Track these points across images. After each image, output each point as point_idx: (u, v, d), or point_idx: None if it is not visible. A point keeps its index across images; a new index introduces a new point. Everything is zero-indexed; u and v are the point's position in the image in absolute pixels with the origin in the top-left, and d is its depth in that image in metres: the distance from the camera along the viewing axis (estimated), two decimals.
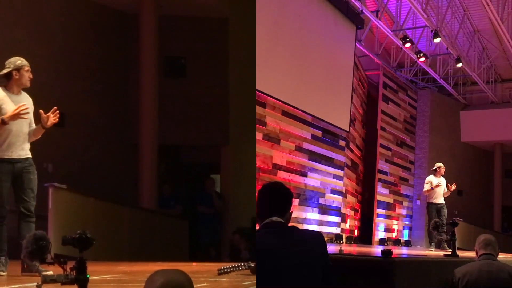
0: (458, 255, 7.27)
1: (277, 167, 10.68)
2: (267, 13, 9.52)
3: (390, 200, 16.14)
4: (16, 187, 5.56)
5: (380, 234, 15.47)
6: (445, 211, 11.09)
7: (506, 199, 19.32)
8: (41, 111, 5.43)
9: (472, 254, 9.35)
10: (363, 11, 12.00)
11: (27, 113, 5.45)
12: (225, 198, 11.67)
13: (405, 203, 16.93)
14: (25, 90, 5.75)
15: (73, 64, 11.27)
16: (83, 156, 11.12)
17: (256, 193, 3.57)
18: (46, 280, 3.16)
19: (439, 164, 11.37)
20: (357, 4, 11.90)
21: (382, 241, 15.13)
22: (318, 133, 12.11)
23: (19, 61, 5.51)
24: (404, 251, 11.32)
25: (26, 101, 5.53)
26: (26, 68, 5.53)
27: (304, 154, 11.61)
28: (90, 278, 3.08)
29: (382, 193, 15.70)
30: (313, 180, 11.91)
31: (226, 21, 11.98)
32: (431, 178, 11.23)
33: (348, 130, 12.92)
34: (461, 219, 14.19)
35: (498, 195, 19.14)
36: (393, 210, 16.29)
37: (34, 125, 5.65)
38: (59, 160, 10.71)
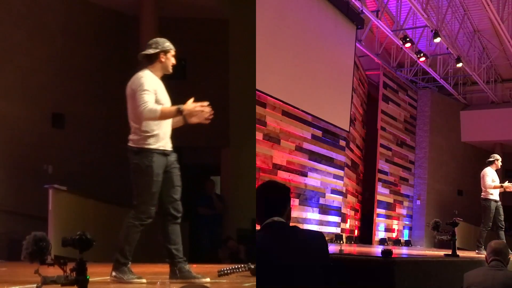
0: (458, 255, 7.27)
1: (277, 167, 10.69)
2: (267, 13, 9.52)
3: (390, 200, 16.14)
4: (165, 183, 4.83)
5: (380, 234, 15.47)
6: (502, 210, 9.85)
7: (506, 199, 19.27)
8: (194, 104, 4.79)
9: (472, 254, 9.40)
10: (363, 11, 12.00)
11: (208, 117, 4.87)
12: (225, 199, 11.67)
13: (405, 203, 16.93)
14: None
15: (73, 65, 11.27)
16: (84, 157, 11.12)
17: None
18: (46, 281, 3.16)
19: (497, 156, 10.05)
20: (357, 4, 11.90)
21: (382, 241, 15.13)
22: (318, 133, 12.11)
23: (167, 43, 4.93)
24: (404, 251, 11.33)
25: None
26: (173, 53, 4.96)
27: (304, 154, 11.61)
28: (90, 279, 3.09)
29: (382, 193, 15.70)
30: (313, 180, 11.91)
31: (226, 22, 11.97)
32: (490, 171, 9.81)
33: (348, 130, 12.92)
34: (461, 219, 14.15)
35: None
36: (393, 210, 16.29)
37: None
38: (59, 161, 10.73)
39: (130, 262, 4.81)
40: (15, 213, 9.84)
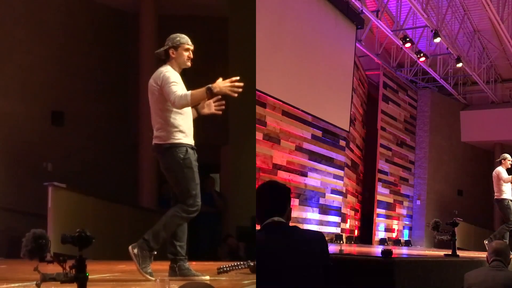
0: (458, 255, 7.27)
1: (277, 167, 10.68)
2: (267, 13, 9.51)
3: (390, 200, 16.13)
4: None
5: (380, 234, 15.47)
6: None
7: None
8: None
9: (472, 254, 9.40)
10: (363, 11, 11.99)
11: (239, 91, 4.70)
12: (225, 197, 11.65)
13: (405, 203, 16.92)
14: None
15: (72, 63, 11.25)
16: (83, 155, 11.11)
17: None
18: (46, 278, 3.15)
19: (506, 155, 9.86)
20: (357, 4, 11.89)
21: (382, 241, 15.13)
22: (318, 133, 12.10)
23: (177, 38, 4.93)
24: (404, 251, 11.33)
25: None
26: (186, 47, 4.93)
27: (304, 154, 11.60)
28: (89, 276, 3.08)
29: (382, 193, 15.69)
30: (313, 180, 11.91)
31: (226, 20, 11.96)
32: (501, 169, 9.64)
33: (348, 130, 12.91)
34: (461, 219, 14.14)
35: None
36: (393, 210, 16.29)
37: None
38: (58, 159, 10.71)
39: (155, 252, 4.70)
40: (15, 210, 9.83)
